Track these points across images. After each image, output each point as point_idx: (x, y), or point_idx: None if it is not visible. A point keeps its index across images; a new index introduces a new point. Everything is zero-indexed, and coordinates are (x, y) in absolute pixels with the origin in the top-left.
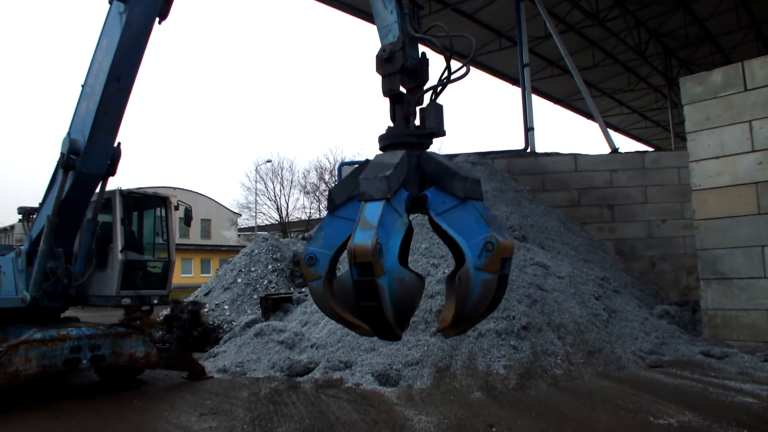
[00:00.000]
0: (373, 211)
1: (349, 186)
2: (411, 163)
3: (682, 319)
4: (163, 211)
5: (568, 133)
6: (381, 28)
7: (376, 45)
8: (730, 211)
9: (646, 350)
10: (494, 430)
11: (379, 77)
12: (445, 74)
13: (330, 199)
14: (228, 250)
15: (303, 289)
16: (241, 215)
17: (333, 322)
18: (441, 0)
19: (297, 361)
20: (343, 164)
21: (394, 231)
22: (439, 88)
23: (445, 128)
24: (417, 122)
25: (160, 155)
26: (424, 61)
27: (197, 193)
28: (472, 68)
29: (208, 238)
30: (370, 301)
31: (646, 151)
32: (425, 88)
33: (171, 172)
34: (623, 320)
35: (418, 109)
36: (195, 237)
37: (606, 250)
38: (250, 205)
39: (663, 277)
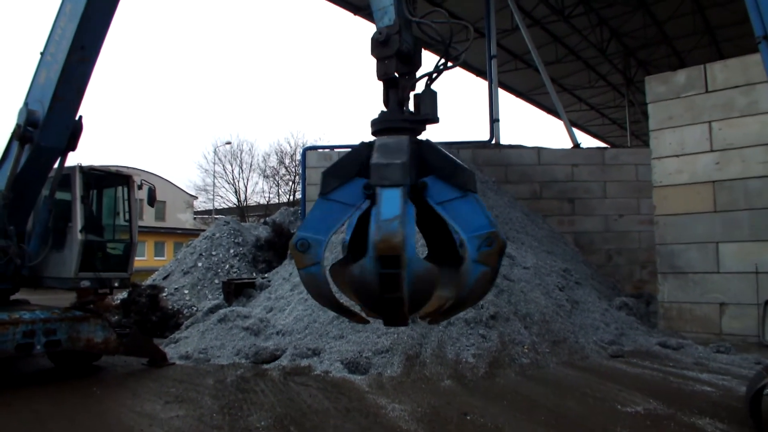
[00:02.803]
0: (393, 198)
1: (344, 168)
2: (412, 150)
3: (639, 311)
4: (126, 190)
5: (528, 126)
6: (377, 11)
7: (339, 28)
8: (688, 208)
9: (606, 341)
10: (469, 417)
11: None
12: (442, 60)
13: (324, 182)
14: (183, 234)
15: (266, 275)
16: (197, 198)
17: (300, 308)
18: None
19: (263, 347)
20: (307, 149)
21: (410, 219)
22: (434, 75)
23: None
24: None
25: (111, 132)
26: (418, 46)
27: (151, 173)
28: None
29: (162, 220)
30: (393, 293)
31: (606, 147)
32: (424, 73)
33: (123, 151)
34: (585, 311)
35: (411, 94)
36: (149, 219)
37: (566, 242)
38: (208, 188)
39: (618, 270)
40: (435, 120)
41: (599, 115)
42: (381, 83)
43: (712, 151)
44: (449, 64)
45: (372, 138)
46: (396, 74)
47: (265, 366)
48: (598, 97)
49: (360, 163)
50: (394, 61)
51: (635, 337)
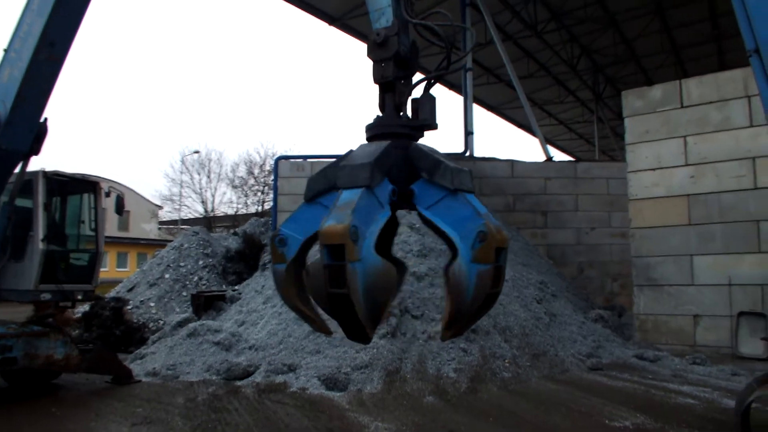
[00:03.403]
0: (349, 196)
1: (329, 175)
2: (398, 155)
3: (613, 324)
4: (93, 197)
5: (499, 140)
6: (373, 11)
7: (312, 37)
8: (664, 221)
9: (584, 353)
10: None
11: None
12: (444, 64)
13: (308, 187)
14: (147, 244)
15: (237, 287)
16: (162, 207)
17: (273, 322)
18: None
19: (235, 363)
20: (279, 158)
21: (374, 220)
22: (433, 79)
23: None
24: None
25: (73, 138)
26: (414, 49)
27: (115, 181)
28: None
29: (125, 230)
30: (339, 288)
31: (579, 161)
32: (424, 77)
33: (84, 157)
34: (562, 324)
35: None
36: (112, 229)
37: (540, 254)
38: (174, 197)
39: (590, 282)
40: (434, 126)
41: (567, 130)
42: (377, 87)
43: (687, 165)
44: (450, 67)
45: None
46: (392, 78)
47: (238, 383)
48: (567, 113)
49: None
50: (392, 64)
51: (612, 350)
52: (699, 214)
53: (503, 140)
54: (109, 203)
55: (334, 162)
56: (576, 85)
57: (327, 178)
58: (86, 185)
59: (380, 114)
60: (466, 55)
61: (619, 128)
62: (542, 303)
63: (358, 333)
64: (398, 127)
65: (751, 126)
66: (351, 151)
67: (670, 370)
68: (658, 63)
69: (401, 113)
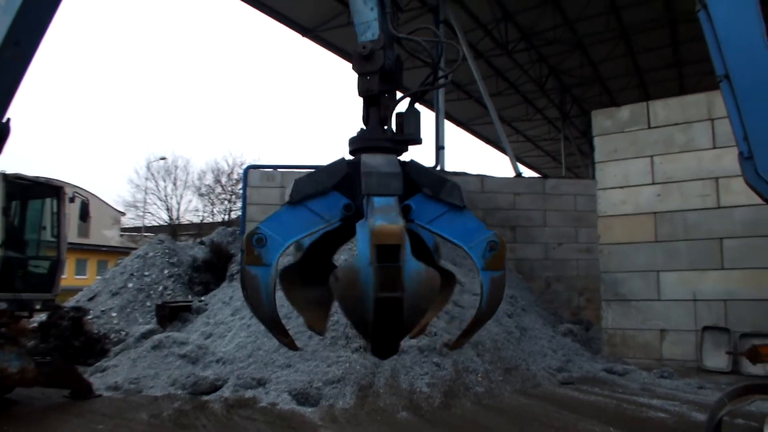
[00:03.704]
0: (387, 201)
1: (320, 179)
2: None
3: (581, 338)
4: (56, 202)
5: (467, 155)
6: (359, 24)
7: (281, 47)
8: (631, 238)
9: (554, 367)
10: None
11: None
12: (430, 79)
13: (296, 189)
14: (108, 251)
15: (203, 298)
16: (125, 214)
17: (242, 334)
18: None
19: (202, 377)
20: (249, 167)
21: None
22: (419, 93)
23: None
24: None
25: (32, 140)
26: (399, 64)
27: (74, 186)
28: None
29: (85, 236)
30: (392, 291)
31: (547, 177)
32: (410, 91)
33: (44, 160)
34: (533, 338)
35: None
36: (71, 235)
37: (509, 269)
38: (138, 204)
39: (557, 297)
40: (418, 141)
41: (534, 147)
42: (361, 100)
43: (654, 183)
44: (437, 82)
45: (349, 156)
46: (377, 91)
47: (205, 397)
48: (534, 130)
49: (338, 179)
50: (377, 78)
51: (581, 364)
52: (665, 232)
53: (472, 156)
54: (72, 209)
55: (325, 168)
56: (544, 103)
57: (317, 183)
58: (49, 190)
59: (363, 127)
60: (453, 71)
61: (584, 146)
62: (513, 317)
63: (392, 344)
64: (384, 141)
65: (714, 148)
66: (346, 161)
67: (638, 383)
68: (622, 85)
69: (385, 127)
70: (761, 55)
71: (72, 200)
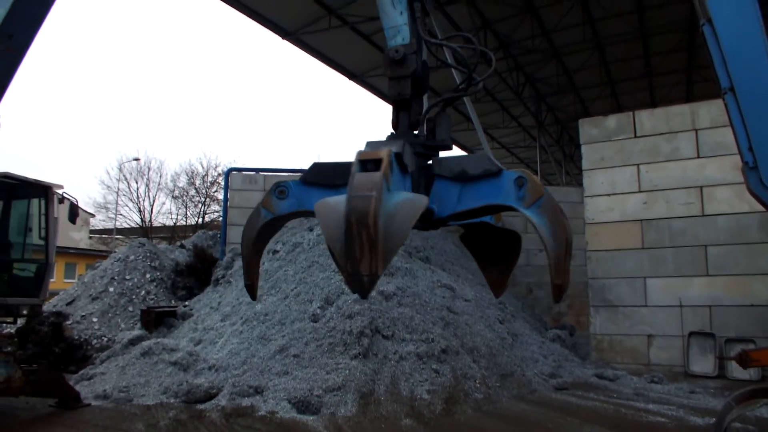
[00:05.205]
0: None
1: (338, 173)
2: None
3: (567, 343)
4: (44, 203)
5: None
6: (388, 28)
7: (261, 48)
8: (619, 245)
9: (546, 373)
10: None
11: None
12: (463, 85)
13: (311, 172)
14: (77, 254)
15: (187, 303)
16: (95, 216)
17: (234, 341)
18: (340, 17)
19: (195, 385)
20: (230, 170)
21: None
22: (451, 99)
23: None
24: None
25: None
26: (426, 69)
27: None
28: (360, 87)
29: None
30: (364, 198)
31: None
32: (441, 97)
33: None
34: (524, 344)
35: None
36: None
37: None
38: (109, 206)
39: (539, 302)
40: (449, 146)
41: (509, 154)
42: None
43: (640, 191)
44: (469, 89)
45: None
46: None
47: (200, 406)
48: (509, 137)
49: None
50: (409, 82)
51: (571, 369)
52: (651, 239)
53: None
54: (60, 210)
55: (343, 164)
56: (519, 111)
57: (334, 175)
58: (38, 190)
59: (393, 131)
60: (488, 77)
61: (557, 154)
62: (504, 323)
63: (369, 272)
64: (416, 146)
65: (698, 157)
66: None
67: (630, 388)
68: (595, 95)
69: (416, 132)
70: (765, 67)
71: (61, 201)
